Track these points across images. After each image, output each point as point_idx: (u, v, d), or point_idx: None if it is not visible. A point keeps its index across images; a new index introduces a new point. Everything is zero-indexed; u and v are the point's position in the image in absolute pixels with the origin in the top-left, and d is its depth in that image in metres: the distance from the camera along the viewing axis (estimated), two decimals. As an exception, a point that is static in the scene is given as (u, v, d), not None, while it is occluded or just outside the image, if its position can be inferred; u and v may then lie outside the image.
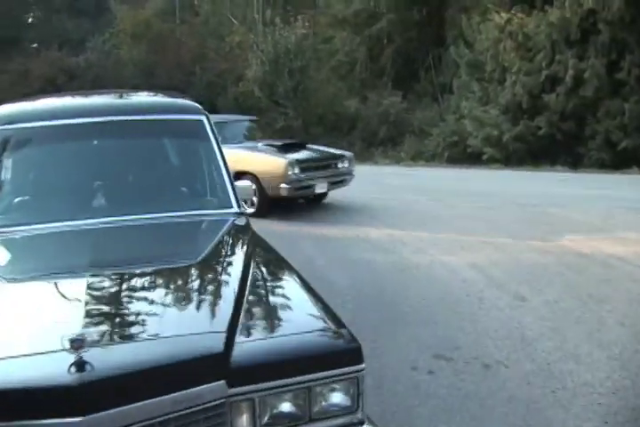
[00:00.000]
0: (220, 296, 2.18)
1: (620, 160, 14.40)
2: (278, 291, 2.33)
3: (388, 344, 4.19)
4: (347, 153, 10.00)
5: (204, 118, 3.57)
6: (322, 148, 10.37)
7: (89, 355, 1.64)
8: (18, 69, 24.69)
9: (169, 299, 2.17)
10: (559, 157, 15.46)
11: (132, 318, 2.01)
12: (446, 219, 8.57)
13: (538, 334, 4.39)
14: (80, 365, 1.61)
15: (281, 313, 2.11)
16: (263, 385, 1.78)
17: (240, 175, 8.68)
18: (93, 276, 2.23)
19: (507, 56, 16.62)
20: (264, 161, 9.04)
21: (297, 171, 8.80)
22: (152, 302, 2.11)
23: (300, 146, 9.96)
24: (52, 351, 1.69)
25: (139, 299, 2.17)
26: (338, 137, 19.09)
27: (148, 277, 2.39)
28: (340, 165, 9.52)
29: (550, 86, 15.84)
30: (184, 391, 1.69)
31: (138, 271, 2.42)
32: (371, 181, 11.41)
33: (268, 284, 2.41)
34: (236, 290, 2.16)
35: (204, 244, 2.84)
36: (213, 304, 2.12)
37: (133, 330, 1.93)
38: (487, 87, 17.52)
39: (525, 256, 6.48)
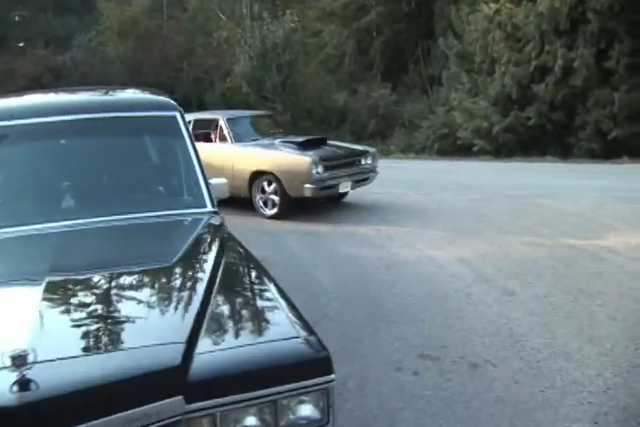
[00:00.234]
0: (183, 303, 2.06)
1: (611, 150, 14.33)
2: (247, 296, 2.22)
3: (372, 343, 4.08)
4: (370, 148, 9.37)
5: (177, 115, 3.46)
6: (343, 143, 9.88)
7: (33, 372, 1.53)
8: (3, 68, 24.42)
9: (129, 307, 2.05)
10: (549, 148, 15.38)
11: (86, 329, 1.88)
12: (435, 212, 8.47)
13: (527, 330, 4.28)
14: (23, 383, 1.50)
15: (247, 320, 2.00)
16: (225, 399, 1.67)
17: (259, 175, 8.51)
18: (50, 283, 2.10)
19: (496, 47, 16.51)
20: (285, 160, 8.40)
21: (320, 170, 8.13)
22: (111, 311, 2.00)
23: (320, 142, 9.18)
24: (-8, 369, 1.57)
25: (96, 307, 2.04)
26: (327, 131, 18.95)
27: (108, 283, 2.26)
28: (363, 162, 8.87)
29: (540, 76, 15.74)
30: (138, 409, 1.59)
31: (98, 277, 2.30)
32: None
33: (237, 289, 2.29)
34: (202, 296, 2.04)
35: (172, 246, 2.71)
36: (176, 312, 2.00)
37: (86, 343, 1.80)
38: (476, 79, 17.40)
39: (515, 249, 6.37)
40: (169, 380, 1.64)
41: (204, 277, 2.22)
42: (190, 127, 9.19)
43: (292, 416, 1.75)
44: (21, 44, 30.25)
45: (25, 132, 3.17)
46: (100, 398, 1.57)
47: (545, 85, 15.47)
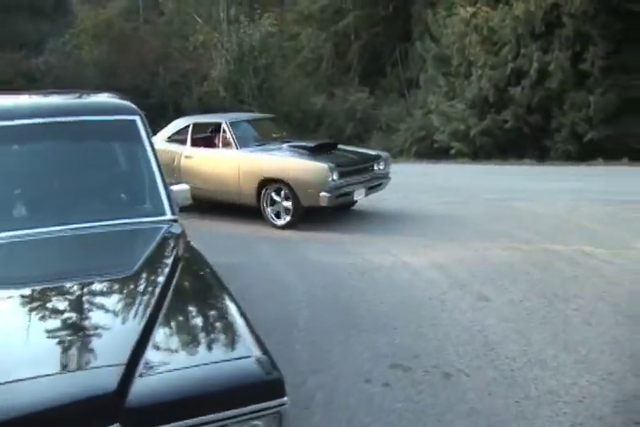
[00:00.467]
0: (129, 321, 1.92)
1: (586, 152, 14.40)
2: (199, 313, 2.08)
3: (343, 353, 3.96)
4: (383, 153, 8.85)
5: (137, 119, 3.33)
6: (355, 148, 9.30)
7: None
8: (-26, 73, 23.97)
9: (71, 325, 1.91)
10: (526, 151, 15.42)
11: (17, 352, 1.73)
12: (411, 216, 8.37)
13: (501, 337, 4.18)
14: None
15: (196, 339, 1.86)
16: (167, 427, 1.54)
17: (268, 183, 7.90)
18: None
19: (472, 50, 16.54)
20: (298, 166, 7.74)
21: (336, 177, 7.56)
22: (49, 331, 1.85)
23: (331, 146, 8.61)
24: None
25: (33, 326, 1.90)
26: (304, 134, 18.85)
27: (49, 298, 2.11)
28: (376, 168, 8.35)
29: (516, 80, 15.80)
30: (69, 440, 1.45)
31: (39, 291, 2.15)
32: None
33: (189, 305, 2.15)
34: (150, 313, 1.91)
35: (125, 258, 2.57)
36: (120, 331, 1.86)
37: (15, 367, 1.64)
38: (454, 82, 17.42)
39: (491, 253, 6.29)
40: (104, 407, 1.50)
41: (155, 291, 2.09)
42: (189, 132, 9.01)
43: (242, 443, 1.63)
44: (-7, 48, 29.78)
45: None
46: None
47: (521, 88, 15.53)
